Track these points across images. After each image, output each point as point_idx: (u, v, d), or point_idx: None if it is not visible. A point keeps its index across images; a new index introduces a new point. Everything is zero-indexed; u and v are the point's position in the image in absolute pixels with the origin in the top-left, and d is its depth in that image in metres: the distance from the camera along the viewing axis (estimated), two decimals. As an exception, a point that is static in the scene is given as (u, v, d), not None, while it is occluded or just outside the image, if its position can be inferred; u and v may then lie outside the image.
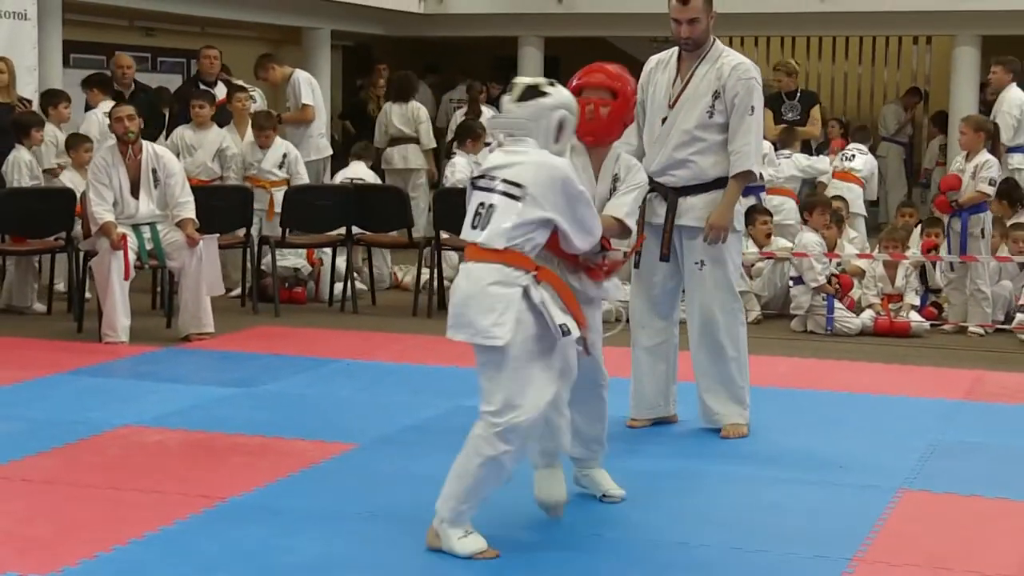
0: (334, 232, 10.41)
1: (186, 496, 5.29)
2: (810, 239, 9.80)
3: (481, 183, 4.70)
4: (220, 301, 9.40)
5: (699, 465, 5.92)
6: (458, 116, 13.95)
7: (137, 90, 12.03)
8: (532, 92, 4.73)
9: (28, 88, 11.11)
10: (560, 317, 4.61)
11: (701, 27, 6.31)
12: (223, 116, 11.26)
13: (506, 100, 4.81)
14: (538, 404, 4.60)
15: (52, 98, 10.87)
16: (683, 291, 6.60)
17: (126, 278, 8.60)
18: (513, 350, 4.55)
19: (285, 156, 10.83)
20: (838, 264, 10.02)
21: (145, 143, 8.97)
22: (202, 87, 11.89)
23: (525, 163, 4.64)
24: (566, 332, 4.60)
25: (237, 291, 10.37)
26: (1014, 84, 11.26)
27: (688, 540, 4.91)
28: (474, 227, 4.66)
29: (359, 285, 10.65)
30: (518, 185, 4.60)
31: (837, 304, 9.61)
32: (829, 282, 9.65)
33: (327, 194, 10.85)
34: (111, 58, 12.65)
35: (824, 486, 5.66)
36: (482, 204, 4.66)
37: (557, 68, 18.82)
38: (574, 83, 5.33)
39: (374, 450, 6.07)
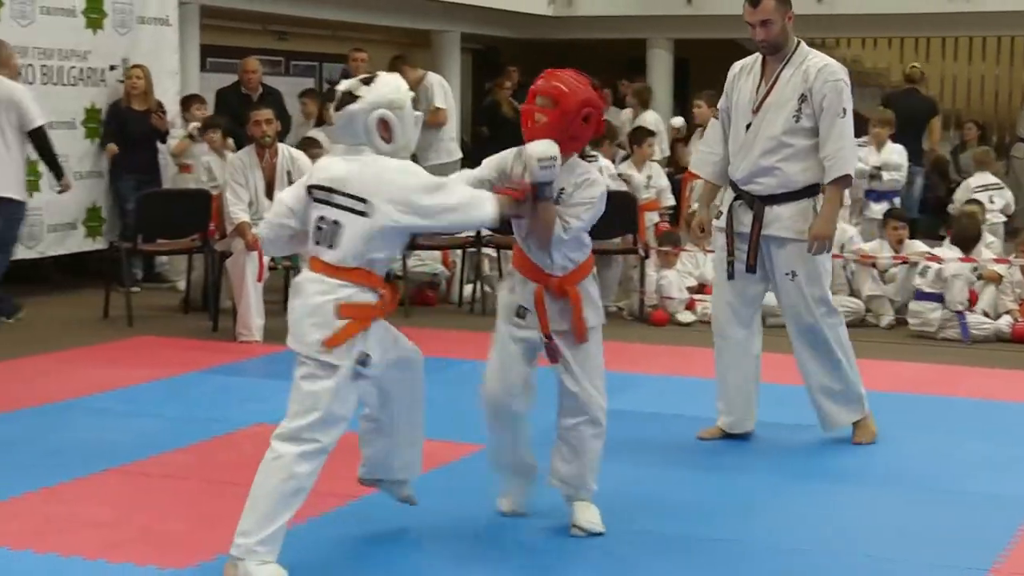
0: (463, 235, 10.45)
1: (317, 494, 5.32)
2: (960, 267, 9.57)
3: (320, 195, 4.51)
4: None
5: (830, 471, 5.85)
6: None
7: (265, 93, 12.22)
8: (345, 99, 4.50)
9: (170, 92, 11.39)
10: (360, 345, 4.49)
11: (776, 29, 6.08)
12: None
13: (331, 109, 4.67)
14: None
15: (189, 102, 11.12)
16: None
17: (260, 279, 8.74)
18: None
19: None
20: (975, 269, 9.82)
21: (281, 145, 9.12)
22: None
23: (363, 172, 4.44)
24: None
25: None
26: None
27: (814, 548, 4.85)
28: (317, 243, 4.50)
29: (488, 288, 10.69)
30: (362, 200, 4.42)
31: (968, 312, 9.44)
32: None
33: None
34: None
35: (957, 495, 5.56)
36: (323, 219, 4.49)
37: (687, 70, 18.76)
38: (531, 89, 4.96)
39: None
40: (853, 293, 10.10)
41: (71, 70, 10.51)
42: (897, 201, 11.29)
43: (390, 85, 4.58)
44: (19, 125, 9.10)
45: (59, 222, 10.54)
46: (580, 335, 4.82)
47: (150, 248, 10.00)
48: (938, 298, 9.50)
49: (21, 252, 10.19)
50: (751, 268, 6.17)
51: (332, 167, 4.54)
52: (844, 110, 6.04)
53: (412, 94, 4.64)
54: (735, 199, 6.17)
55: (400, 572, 4.57)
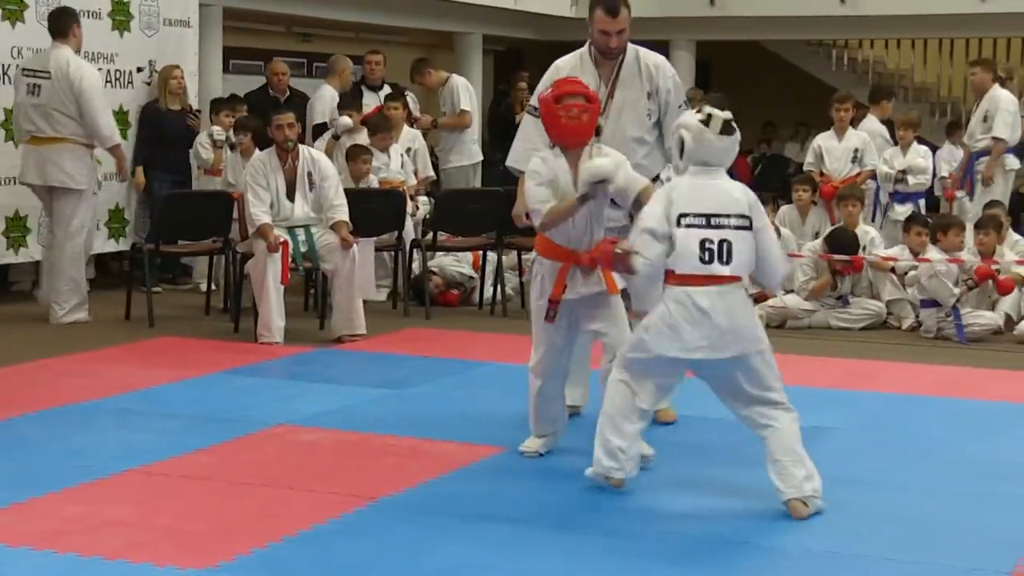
0: (483, 237, 10.47)
1: (338, 495, 5.37)
2: (930, 268, 9.56)
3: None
4: (372, 303, 9.54)
5: (848, 474, 5.83)
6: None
7: (292, 95, 12.26)
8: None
9: (190, 94, 11.41)
10: None
11: (626, 36, 6.46)
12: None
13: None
14: None
15: (219, 106, 11.15)
16: None
17: (285, 283, 8.76)
18: None
19: (403, 155, 10.92)
20: (997, 271, 9.77)
21: (301, 147, 9.14)
22: (365, 92, 12.03)
23: None
24: None
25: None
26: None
27: (839, 549, 4.84)
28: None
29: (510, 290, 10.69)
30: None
31: (963, 310, 9.41)
32: (968, 285, 9.48)
33: (479, 198, 10.92)
34: (268, 63, 12.91)
35: (979, 497, 5.53)
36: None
37: (709, 71, 18.74)
38: (551, 92, 5.74)
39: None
40: (874, 296, 10.07)
41: (98, 72, 10.54)
42: (922, 203, 11.25)
43: None
44: None
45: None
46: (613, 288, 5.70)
47: (172, 250, 10.03)
48: (933, 303, 9.50)
49: (39, 254, 10.22)
50: None
51: None
52: (685, 102, 6.53)
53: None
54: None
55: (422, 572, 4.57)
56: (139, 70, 10.91)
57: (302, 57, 15.84)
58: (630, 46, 6.52)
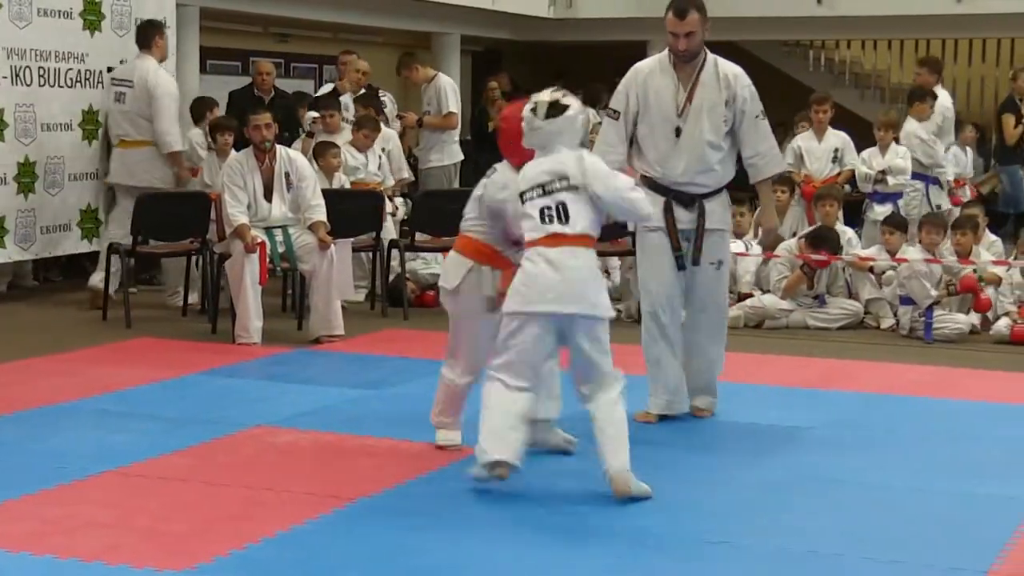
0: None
1: (317, 496, 5.36)
2: (914, 256, 9.63)
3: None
4: (350, 304, 9.52)
5: (829, 473, 5.84)
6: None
7: (276, 96, 12.22)
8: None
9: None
10: None
11: (697, 40, 6.57)
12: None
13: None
14: None
15: (201, 106, 11.10)
16: None
17: (263, 283, 8.74)
18: None
19: (381, 156, 10.91)
20: (974, 271, 9.82)
21: (279, 147, 9.11)
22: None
23: None
24: None
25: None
26: None
27: (818, 549, 4.85)
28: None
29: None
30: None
31: (937, 312, 9.45)
32: (948, 290, 9.53)
33: (458, 199, 10.85)
34: (245, 64, 12.86)
35: (958, 496, 5.55)
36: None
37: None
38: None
39: (502, 453, 6.07)
40: (852, 296, 10.09)
41: (68, 72, 10.50)
42: (901, 203, 11.28)
43: None
44: None
45: (53, 223, 10.53)
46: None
47: (148, 250, 9.98)
48: (911, 300, 9.55)
49: (15, 254, 10.19)
50: (697, 261, 6.63)
51: None
52: (762, 112, 6.68)
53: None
54: (672, 198, 6.56)
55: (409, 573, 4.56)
56: (109, 70, 10.86)
57: (279, 57, 15.79)
58: (709, 54, 6.67)
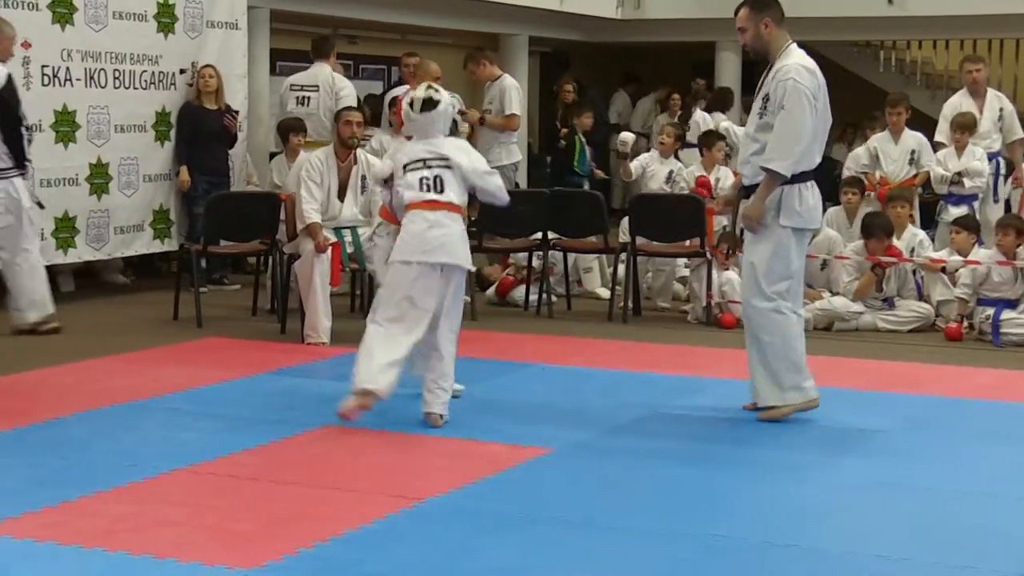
0: (531, 237, 10.46)
1: (385, 496, 5.38)
2: (986, 260, 9.55)
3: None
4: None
5: (899, 477, 5.79)
6: (660, 120, 14.04)
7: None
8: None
9: (238, 96, 11.50)
10: None
11: (749, 35, 6.78)
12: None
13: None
14: None
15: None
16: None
17: (335, 284, 8.80)
18: None
19: None
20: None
21: (358, 150, 9.15)
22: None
23: None
24: None
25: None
26: None
27: (857, 551, 4.80)
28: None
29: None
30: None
31: (1006, 313, 9.32)
32: None
33: (522, 199, 10.90)
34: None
35: (1007, 499, 5.50)
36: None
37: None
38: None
39: (569, 455, 6.08)
40: (923, 298, 10.00)
41: (143, 74, 10.63)
42: (977, 205, 11.15)
43: None
44: None
45: (126, 224, 10.66)
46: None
47: (218, 250, 10.08)
48: (990, 302, 9.43)
49: (86, 253, 10.31)
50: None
51: None
52: (783, 106, 6.52)
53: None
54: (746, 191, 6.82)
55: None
56: (182, 71, 10.98)
57: (348, 59, 15.87)
58: (791, 49, 6.75)
